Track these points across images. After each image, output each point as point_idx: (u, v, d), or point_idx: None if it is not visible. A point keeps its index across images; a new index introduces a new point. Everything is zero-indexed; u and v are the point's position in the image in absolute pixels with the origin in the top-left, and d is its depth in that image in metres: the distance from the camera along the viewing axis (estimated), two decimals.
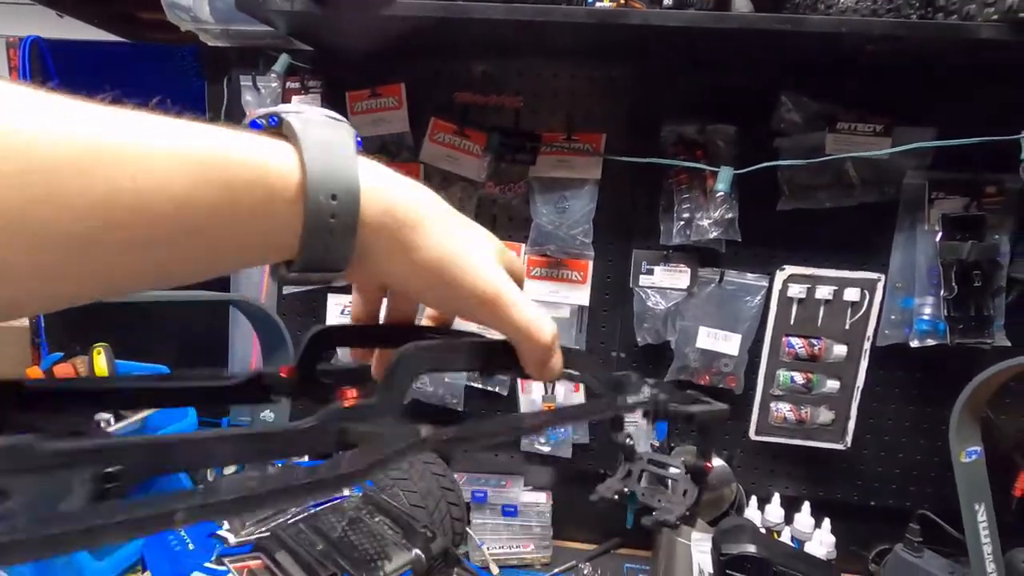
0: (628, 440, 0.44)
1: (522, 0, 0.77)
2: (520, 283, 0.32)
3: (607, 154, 1.00)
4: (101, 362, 1.03)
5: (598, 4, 0.78)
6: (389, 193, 0.27)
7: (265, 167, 0.23)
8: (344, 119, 0.26)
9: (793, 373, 1.02)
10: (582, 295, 1.06)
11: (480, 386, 1.12)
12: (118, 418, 1.00)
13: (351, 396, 0.27)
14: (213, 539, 0.62)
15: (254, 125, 0.26)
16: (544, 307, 1.07)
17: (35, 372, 0.96)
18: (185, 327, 1.16)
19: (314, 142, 0.24)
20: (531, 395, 1.11)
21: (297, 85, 1.04)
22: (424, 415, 1.13)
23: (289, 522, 0.63)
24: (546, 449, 1.11)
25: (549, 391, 1.10)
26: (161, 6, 1.00)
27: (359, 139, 0.26)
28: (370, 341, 0.35)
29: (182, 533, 0.64)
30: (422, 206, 0.28)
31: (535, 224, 1.04)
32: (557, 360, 0.32)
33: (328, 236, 0.24)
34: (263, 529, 0.62)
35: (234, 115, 1.08)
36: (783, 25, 0.75)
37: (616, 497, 0.48)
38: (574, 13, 0.77)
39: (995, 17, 0.72)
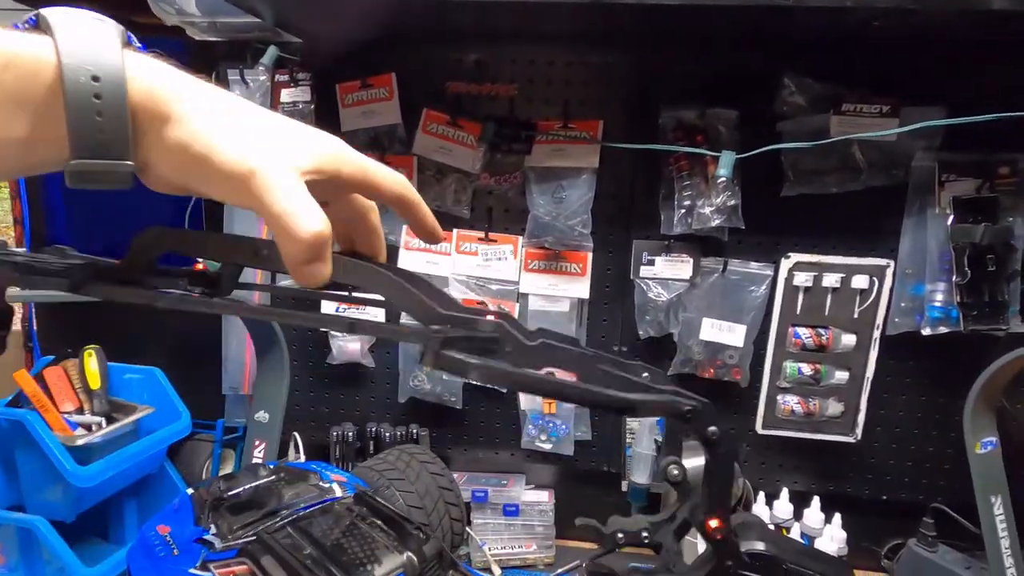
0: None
1: None
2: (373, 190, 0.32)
3: (605, 141, 0.97)
4: (92, 364, 1.02)
5: None
6: (158, 76, 0.26)
7: (16, 54, 0.23)
8: (113, 22, 0.26)
9: (800, 364, 0.99)
10: (581, 288, 1.03)
11: (479, 383, 1.10)
12: (110, 421, 0.99)
13: None
14: (198, 544, 0.60)
15: (16, 27, 0.26)
16: (543, 301, 1.04)
17: (24, 376, 0.94)
18: (178, 328, 1.14)
19: (69, 29, 0.24)
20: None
21: (286, 78, 1.02)
22: (421, 413, 1.11)
23: (277, 526, 0.61)
24: (547, 447, 1.08)
25: None
26: (151, 8, 0.97)
27: (133, 39, 0.26)
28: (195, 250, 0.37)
29: (168, 539, 0.62)
30: (192, 88, 0.27)
31: (532, 215, 1.01)
32: (320, 267, 0.28)
33: (96, 119, 0.24)
34: (250, 534, 0.60)
35: None
36: (785, 1, 0.72)
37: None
38: None
39: None
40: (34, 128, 0.24)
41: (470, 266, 1.05)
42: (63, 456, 0.83)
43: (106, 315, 1.10)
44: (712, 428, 0.39)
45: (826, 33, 0.85)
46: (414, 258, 1.06)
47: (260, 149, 0.27)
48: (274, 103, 1.02)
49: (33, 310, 1.20)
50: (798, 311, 0.97)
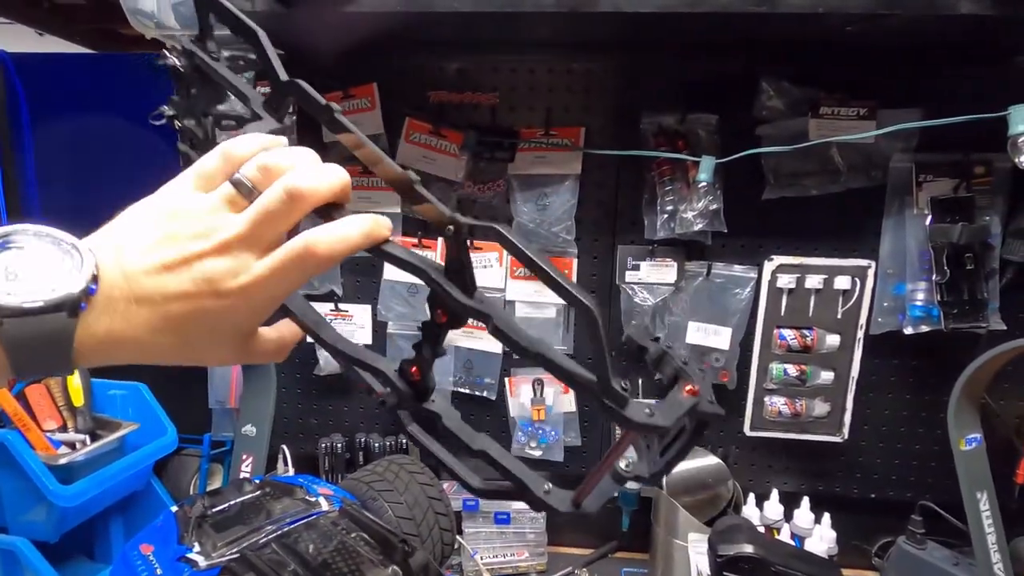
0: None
1: None
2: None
3: (587, 148, 0.98)
4: (75, 381, 1.00)
5: None
6: (102, 331, 0.27)
7: None
8: (73, 245, 0.27)
9: (786, 365, 0.99)
10: None
11: (468, 391, 1.09)
12: (94, 438, 0.97)
13: None
14: (182, 563, 0.59)
15: None
16: (530, 308, 1.04)
17: (4, 395, 0.92)
18: None
19: (18, 343, 0.25)
20: (519, 397, 1.08)
21: (267, 90, 1.01)
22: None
23: (261, 542, 0.60)
24: (537, 453, 1.08)
25: (537, 393, 1.07)
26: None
27: (90, 287, 0.26)
28: None
29: (151, 559, 0.61)
30: (140, 327, 0.28)
31: (516, 223, 1.01)
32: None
33: (36, 363, 0.26)
34: (234, 551, 0.59)
35: None
36: (759, 7, 0.73)
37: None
38: (543, 3, 0.74)
39: None
40: None
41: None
42: (45, 476, 0.82)
43: None
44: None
45: (802, 38, 0.86)
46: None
47: (219, 348, 0.31)
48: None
49: None
50: (782, 313, 0.98)
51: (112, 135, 1.12)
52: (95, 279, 0.26)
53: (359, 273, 1.08)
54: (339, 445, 1.09)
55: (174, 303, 0.28)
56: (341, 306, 1.08)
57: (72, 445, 0.95)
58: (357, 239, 0.30)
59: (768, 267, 0.97)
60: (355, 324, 1.09)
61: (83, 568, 1.00)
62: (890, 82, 0.91)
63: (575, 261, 1.03)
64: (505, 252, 1.03)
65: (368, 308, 1.08)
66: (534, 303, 1.04)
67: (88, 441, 0.96)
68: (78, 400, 0.99)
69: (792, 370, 0.99)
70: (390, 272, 1.06)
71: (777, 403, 1.00)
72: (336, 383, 1.12)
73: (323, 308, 1.09)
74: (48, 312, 0.25)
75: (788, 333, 0.98)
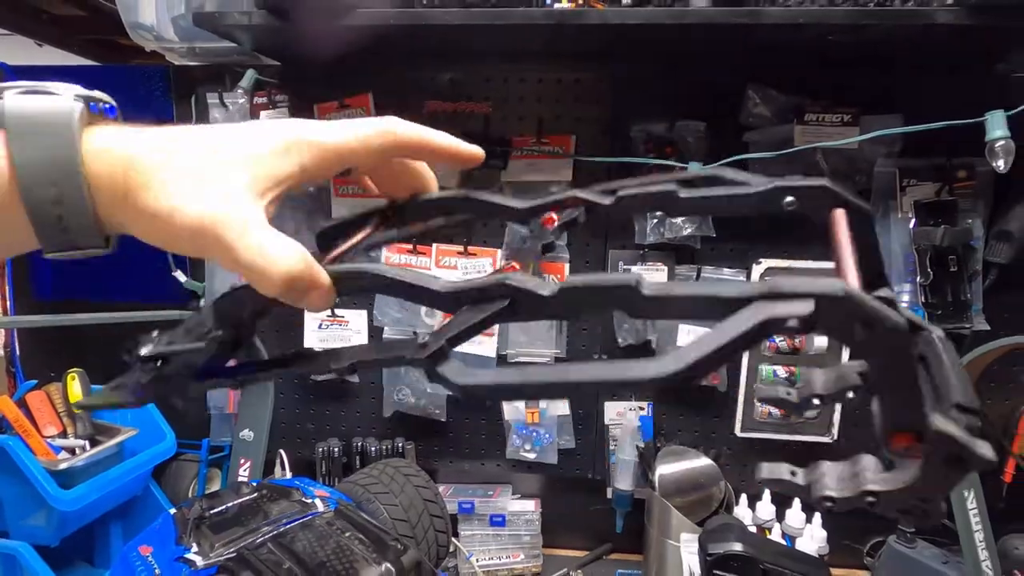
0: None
1: (479, 4, 0.77)
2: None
3: (577, 155, 1.00)
4: (75, 388, 1.02)
5: (556, 5, 0.78)
6: (116, 150, 0.26)
7: None
8: (69, 93, 0.27)
9: (776, 367, 1.01)
10: None
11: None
12: (94, 443, 0.99)
13: None
14: (180, 563, 0.60)
15: None
16: None
17: (5, 402, 0.94)
18: None
19: (23, 134, 0.24)
20: (515, 403, 1.10)
21: (264, 100, 1.04)
22: (406, 427, 1.12)
23: (257, 542, 0.61)
24: (532, 456, 1.10)
25: None
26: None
27: (106, 107, 0.27)
28: None
29: (150, 559, 0.63)
30: (147, 144, 0.27)
31: (509, 229, 1.03)
32: (314, 295, 0.28)
33: (59, 222, 0.25)
34: (231, 551, 0.61)
35: None
36: (741, 19, 0.75)
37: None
38: (532, 15, 0.76)
39: (950, 2, 0.72)
40: (7, 219, 0.25)
41: (451, 279, 1.06)
42: (46, 480, 0.83)
43: (89, 339, 1.11)
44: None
45: (785, 48, 0.88)
46: None
47: (215, 194, 0.26)
48: None
49: (15, 335, 1.20)
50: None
51: None
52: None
53: None
54: (336, 449, 1.10)
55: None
56: (338, 312, 1.10)
57: (72, 451, 0.96)
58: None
59: (756, 270, 0.99)
60: (351, 330, 1.11)
61: (83, 572, 1.01)
62: (873, 89, 0.93)
63: (567, 266, 1.05)
64: (498, 258, 1.05)
65: (364, 313, 1.10)
66: None
67: (88, 447, 0.97)
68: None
69: (782, 371, 1.01)
70: None
71: (767, 405, 1.02)
72: (333, 388, 1.14)
73: (320, 313, 1.10)
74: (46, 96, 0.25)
75: (777, 336, 1.00)
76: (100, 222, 0.26)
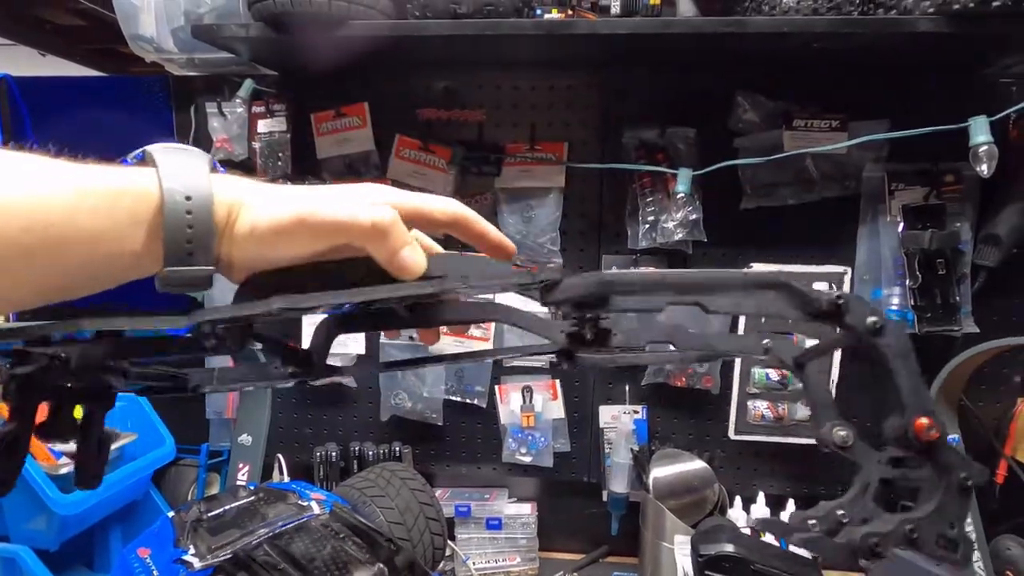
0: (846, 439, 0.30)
1: (470, 15, 0.79)
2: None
3: (570, 162, 1.01)
4: None
5: (546, 16, 0.80)
6: (236, 186, 0.32)
7: (130, 182, 0.29)
8: (201, 152, 0.32)
9: (768, 371, 1.02)
10: None
11: (459, 399, 1.12)
12: None
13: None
14: (178, 565, 0.61)
15: (125, 162, 0.32)
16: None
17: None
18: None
19: (168, 160, 0.30)
20: (509, 405, 1.11)
21: (262, 109, 1.05)
22: (403, 431, 1.13)
23: (253, 543, 0.63)
24: (527, 459, 1.11)
25: (527, 400, 1.10)
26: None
27: (216, 163, 0.31)
28: None
29: (148, 562, 0.64)
30: (262, 186, 0.32)
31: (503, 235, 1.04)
32: (406, 253, 0.32)
33: (187, 231, 0.29)
34: (228, 552, 0.62)
35: (202, 142, 1.09)
36: (727, 27, 0.77)
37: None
38: (522, 26, 0.78)
39: (931, 11, 0.73)
40: (142, 242, 0.29)
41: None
42: (46, 485, 0.84)
43: None
44: (872, 319, 0.29)
45: (773, 55, 0.90)
46: None
47: (312, 196, 0.32)
48: (251, 134, 1.05)
49: None
50: (762, 319, 1.01)
51: (113, 154, 1.16)
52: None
53: None
54: (334, 454, 1.11)
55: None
56: None
57: (72, 455, 0.97)
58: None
59: None
60: (348, 334, 1.12)
61: None
62: (860, 95, 0.95)
63: None
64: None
65: None
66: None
67: None
68: (78, 412, 1.01)
69: (774, 375, 1.02)
70: None
71: (760, 407, 1.03)
72: (331, 393, 1.15)
73: (318, 319, 1.11)
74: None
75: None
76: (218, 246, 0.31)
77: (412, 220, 0.34)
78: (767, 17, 0.77)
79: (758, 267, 1.00)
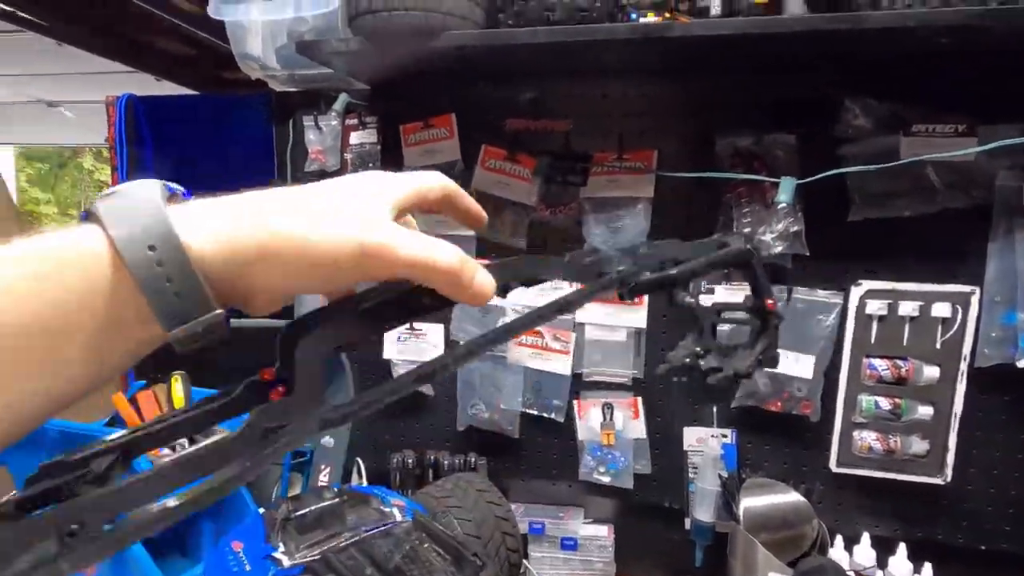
0: (688, 299, 0.41)
1: (563, 21, 0.78)
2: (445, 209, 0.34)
3: (660, 170, 0.98)
4: (178, 390, 1.10)
5: (641, 20, 0.77)
6: (210, 215, 0.27)
7: (65, 250, 0.24)
8: (159, 182, 0.27)
9: (877, 398, 0.93)
10: (639, 317, 1.02)
11: (537, 412, 1.10)
12: (192, 442, 1.06)
13: (277, 393, 0.29)
14: (268, 561, 0.63)
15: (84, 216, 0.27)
16: (600, 330, 1.04)
17: (121, 400, 1.03)
18: (255, 356, 1.21)
19: (112, 212, 0.25)
20: (588, 421, 1.07)
21: (355, 122, 1.09)
22: (479, 442, 1.12)
23: (340, 546, 0.63)
24: (606, 479, 1.06)
25: (607, 417, 1.06)
26: (238, 65, 1.09)
27: (181, 191, 0.27)
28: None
29: (241, 555, 0.66)
30: (249, 203, 0.28)
31: (588, 246, 1.02)
32: (478, 280, 0.30)
33: (167, 284, 0.24)
34: (315, 552, 0.62)
35: (298, 154, 1.14)
36: (842, 24, 0.71)
37: (688, 361, 0.45)
38: (617, 31, 0.76)
39: None
40: (116, 309, 0.25)
41: (527, 296, 1.06)
42: None
43: None
44: (748, 247, 0.42)
45: (888, 54, 0.83)
46: None
47: (357, 221, 0.28)
48: (343, 145, 1.10)
49: None
50: (872, 341, 0.92)
51: (222, 167, 1.24)
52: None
53: None
54: (410, 461, 1.11)
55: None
56: (416, 325, 1.12)
57: (173, 448, 1.03)
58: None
59: (856, 292, 0.92)
60: (428, 343, 1.13)
61: (176, 564, 1.07)
62: (989, 96, 0.85)
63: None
64: None
65: (441, 328, 1.11)
66: (605, 326, 1.04)
67: (187, 446, 1.04)
68: (180, 406, 1.08)
69: (884, 403, 0.92)
70: None
71: (867, 438, 0.94)
72: (408, 400, 1.16)
73: (400, 326, 1.13)
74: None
75: (880, 363, 0.92)
76: (213, 287, 0.26)
77: (411, 207, 0.32)
78: (888, 11, 0.71)
79: (867, 284, 0.92)
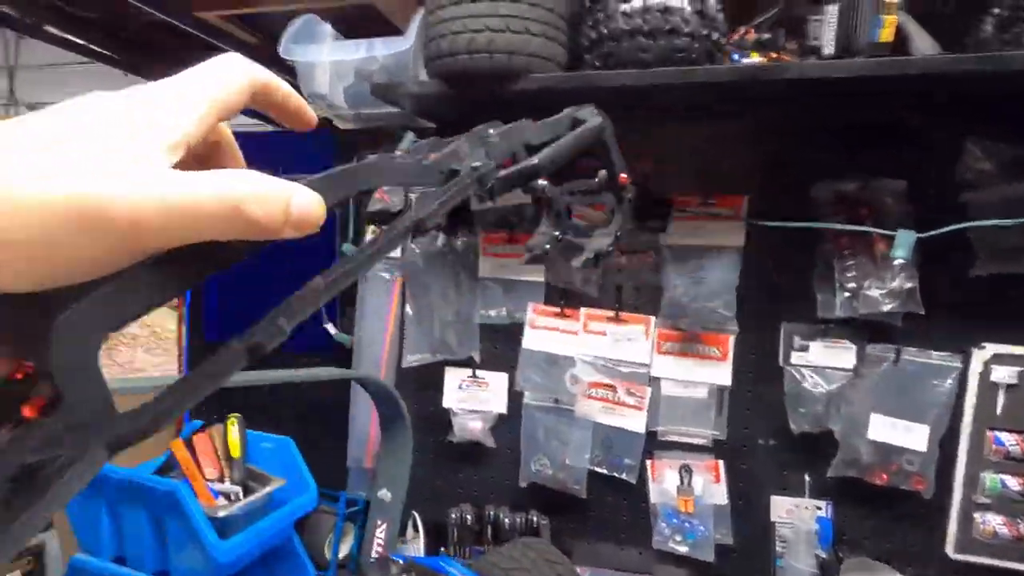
0: (540, 182, 0.39)
1: (657, 63, 0.72)
2: None
3: (750, 218, 0.90)
4: (234, 433, 1.07)
5: (744, 61, 0.71)
6: None
7: None
8: None
9: (1004, 476, 0.82)
10: (722, 374, 0.94)
11: (605, 471, 1.02)
12: (246, 490, 1.02)
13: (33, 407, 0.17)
14: None
15: None
16: (678, 386, 0.96)
17: (178, 444, 1.00)
18: (310, 401, 1.18)
19: None
20: (662, 483, 0.99)
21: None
22: (542, 499, 1.05)
23: None
24: (683, 549, 0.97)
25: (685, 481, 0.97)
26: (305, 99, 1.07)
27: None
28: None
29: None
30: None
31: (667, 296, 0.95)
32: (297, 204, 0.20)
33: None
34: None
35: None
36: (980, 66, 0.63)
37: (548, 247, 0.46)
38: (717, 73, 0.70)
39: None
40: None
41: (598, 346, 1.00)
42: (208, 529, 0.86)
43: (247, 387, 1.17)
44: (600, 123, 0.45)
45: (1018, 91, 0.74)
46: (540, 336, 1.03)
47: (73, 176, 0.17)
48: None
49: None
50: (998, 412, 0.82)
51: None
52: None
53: (498, 340, 1.06)
54: (468, 516, 1.05)
55: None
56: (479, 373, 1.07)
57: (227, 496, 0.99)
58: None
59: (978, 356, 0.82)
60: (490, 392, 1.07)
61: None
62: None
63: (731, 338, 0.94)
64: (652, 326, 0.97)
65: (505, 377, 1.06)
66: (683, 381, 0.96)
67: (241, 494, 1.01)
68: (236, 452, 1.04)
69: (1013, 483, 0.81)
70: (530, 340, 1.03)
71: (992, 522, 0.82)
72: (468, 451, 1.10)
73: (461, 373, 1.08)
74: None
75: (1007, 437, 0.81)
76: None
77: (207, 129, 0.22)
78: None
79: (993, 348, 0.82)
